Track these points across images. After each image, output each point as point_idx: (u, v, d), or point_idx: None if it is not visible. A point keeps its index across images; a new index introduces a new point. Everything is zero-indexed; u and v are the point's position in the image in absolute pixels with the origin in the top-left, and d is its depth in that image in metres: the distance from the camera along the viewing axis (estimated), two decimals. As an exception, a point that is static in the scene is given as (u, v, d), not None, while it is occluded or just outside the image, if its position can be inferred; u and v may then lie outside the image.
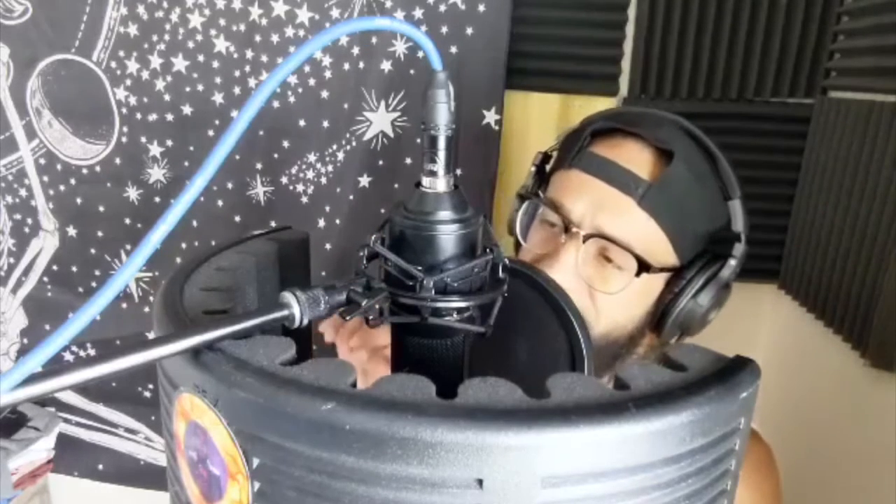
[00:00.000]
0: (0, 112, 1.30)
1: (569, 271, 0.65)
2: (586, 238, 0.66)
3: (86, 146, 1.29)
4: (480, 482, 0.25)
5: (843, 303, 0.90)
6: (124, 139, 1.26)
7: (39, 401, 1.08)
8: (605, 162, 0.68)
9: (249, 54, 1.15)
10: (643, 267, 0.64)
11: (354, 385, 0.28)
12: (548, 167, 0.77)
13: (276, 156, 1.19)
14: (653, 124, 0.69)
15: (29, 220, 1.37)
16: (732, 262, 0.67)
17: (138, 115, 1.24)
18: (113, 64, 1.22)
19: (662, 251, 0.67)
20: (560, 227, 0.68)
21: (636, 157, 0.67)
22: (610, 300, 0.66)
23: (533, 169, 0.76)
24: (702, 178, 0.67)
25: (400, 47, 1.07)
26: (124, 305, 1.34)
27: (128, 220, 1.31)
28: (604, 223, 0.66)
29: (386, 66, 1.08)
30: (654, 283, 0.68)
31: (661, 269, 0.66)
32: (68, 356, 1.35)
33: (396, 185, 1.13)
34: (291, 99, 1.15)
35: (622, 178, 0.66)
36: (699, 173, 0.67)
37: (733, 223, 0.68)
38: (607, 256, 0.67)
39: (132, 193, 1.29)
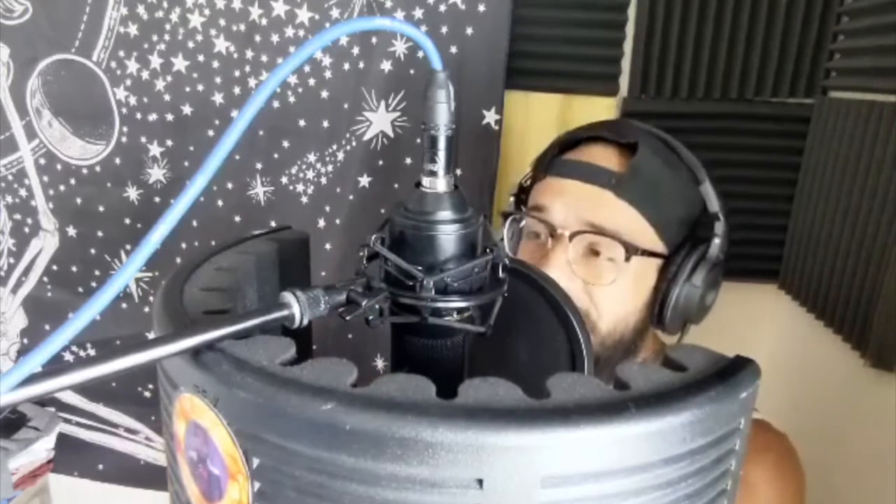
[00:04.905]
0: (0, 112, 1.30)
1: (562, 272, 0.67)
2: (572, 236, 0.68)
3: (86, 146, 1.29)
4: (480, 482, 0.25)
5: (843, 303, 0.90)
6: (124, 139, 1.26)
7: (39, 401, 1.08)
8: (576, 163, 0.72)
9: (249, 54, 1.15)
10: (631, 250, 0.66)
11: (354, 385, 0.28)
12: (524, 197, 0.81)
13: (276, 156, 1.19)
14: (613, 126, 0.75)
15: (29, 220, 1.37)
16: (717, 241, 0.69)
17: (138, 115, 1.24)
18: (113, 64, 1.22)
19: (647, 238, 0.69)
20: (545, 234, 0.71)
21: (604, 155, 0.71)
22: (608, 295, 0.68)
23: (512, 199, 0.81)
24: (669, 164, 0.70)
25: (400, 47, 1.07)
26: (124, 305, 1.34)
27: (128, 220, 1.31)
28: (586, 218, 0.68)
29: (386, 66, 1.08)
30: (647, 273, 0.70)
31: (650, 254, 0.68)
32: (68, 356, 1.34)
33: (396, 185, 1.13)
34: (291, 99, 1.15)
35: (595, 173, 0.69)
36: (666, 159, 0.71)
37: (708, 205, 0.70)
38: (596, 251, 0.69)
39: (132, 193, 1.29)
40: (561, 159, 0.74)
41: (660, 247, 0.70)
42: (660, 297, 0.69)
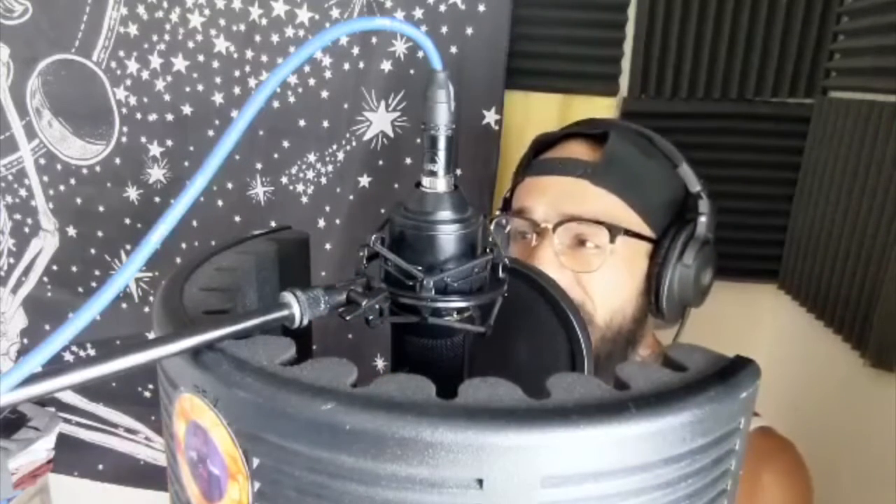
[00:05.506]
0: (0, 112, 1.30)
1: (551, 266, 0.67)
2: (556, 227, 0.68)
3: (86, 146, 1.29)
4: (480, 482, 0.25)
5: (843, 303, 0.90)
6: (124, 139, 1.26)
7: (39, 401, 1.07)
8: (551, 160, 0.74)
9: (249, 54, 1.15)
10: (615, 231, 0.67)
11: (354, 385, 0.28)
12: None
13: (276, 156, 1.19)
14: (583, 123, 0.78)
15: (29, 220, 1.37)
16: (703, 220, 0.69)
17: (138, 115, 1.24)
18: (113, 64, 1.22)
19: (632, 222, 0.69)
20: (530, 231, 0.71)
21: (577, 149, 0.73)
22: (600, 283, 0.68)
23: (498, 212, 0.82)
24: (643, 150, 0.71)
25: (400, 47, 1.07)
26: (124, 305, 1.34)
27: (128, 220, 1.31)
28: (566, 209, 0.69)
29: (386, 66, 1.08)
30: (637, 259, 0.70)
31: (635, 235, 0.69)
32: (68, 356, 1.34)
33: (396, 185, 1.13)
34: (291, 99, 1.15)
35: (570, 166, 0.71)
36: (639, 145, 0.71)
37: (689, 186, 0.70)
38: (582, 240, 0.69)
39: (132, 193, 1.29)
40: (537, 160, 0.76)
41: (646, 231, 0.70)
42: (654, 282, 0.69)
